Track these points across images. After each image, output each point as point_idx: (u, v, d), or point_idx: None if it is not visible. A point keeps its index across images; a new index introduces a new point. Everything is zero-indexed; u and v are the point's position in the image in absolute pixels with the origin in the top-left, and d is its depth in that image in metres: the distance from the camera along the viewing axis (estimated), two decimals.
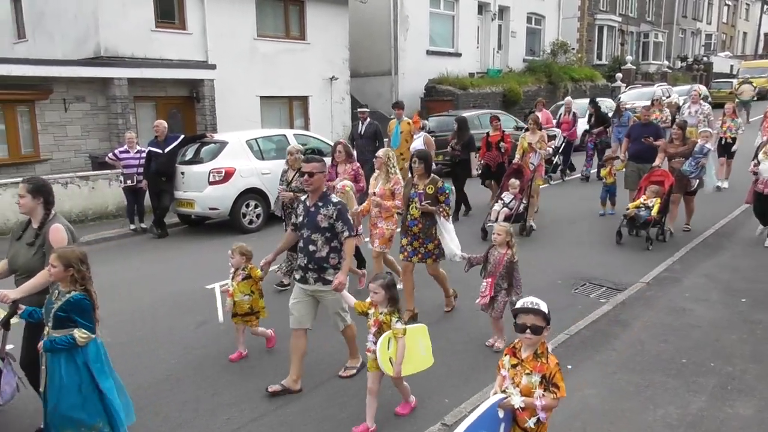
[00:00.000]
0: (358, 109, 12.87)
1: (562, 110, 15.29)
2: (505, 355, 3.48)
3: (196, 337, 6.29)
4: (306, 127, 18.38)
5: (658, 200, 8.81)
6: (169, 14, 15.50)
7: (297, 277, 5.05)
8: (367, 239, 7.51)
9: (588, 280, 7.61)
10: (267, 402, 4.90)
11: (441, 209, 6.10)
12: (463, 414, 4.48)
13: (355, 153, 10.41)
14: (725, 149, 12.74)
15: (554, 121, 14.98)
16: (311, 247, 4.88)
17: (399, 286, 5.59)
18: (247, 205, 10.89)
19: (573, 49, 29.75)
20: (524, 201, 9.72)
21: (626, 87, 28.76)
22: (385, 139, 12.28)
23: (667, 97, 22.87)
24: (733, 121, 12.79)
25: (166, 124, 11.02)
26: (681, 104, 17.80)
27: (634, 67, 33.73)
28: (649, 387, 4.88)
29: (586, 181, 14.13)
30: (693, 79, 37.08)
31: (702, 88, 23.11)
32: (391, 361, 4.31)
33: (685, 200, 9.54)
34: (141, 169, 10.75)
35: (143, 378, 5.38)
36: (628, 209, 8.99)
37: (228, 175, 10.57)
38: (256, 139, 11.44)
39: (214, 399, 4.98)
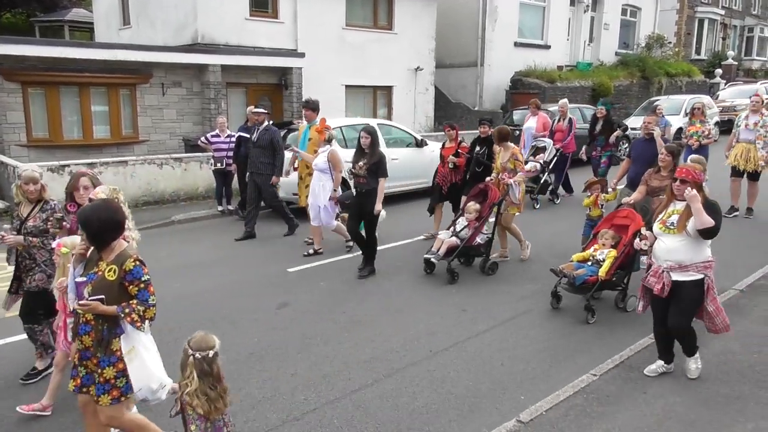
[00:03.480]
0: (253, 110, 9.83)
1: (557, 115, 12.59)
2: None
3: (277, 318, 6.49)
4: (389, 116, 18.51)
5: (613, 253, 6.31)
6: (262, 3, 15.96)
7: None
8: None
9: None
10: (343, 385, 5.01)
11: (128, 310, 3.51)
12: (540, 412, 4.44)
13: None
14: None
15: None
16: None
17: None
18: None
19: (670, 42, 28.38)
20: (485, 231, 7.82)
21: (726, 84, 27.19)
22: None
23: None
24: None
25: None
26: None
27: (736, 63, 31.80)
28: (739, 399, 4.64)
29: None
30: None
31: None
32: None
33: None
34: (231, 153, 11.14)
35: (228, 354, 5.58)
36: (571, 261, 6.56)
37: None
38: (340, 128, 11.59)
39: (294, 379, 5.14)
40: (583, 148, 11.80)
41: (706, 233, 4.50)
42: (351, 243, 8.68)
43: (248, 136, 11.02)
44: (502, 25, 21.27)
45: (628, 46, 27.25)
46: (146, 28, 16.99)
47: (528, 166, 11.22)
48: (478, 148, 8.89)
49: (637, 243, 5.07)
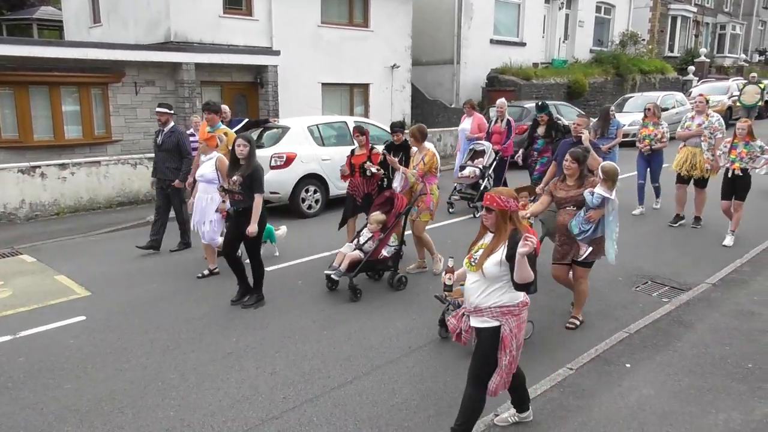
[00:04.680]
0: (156, 109, 8.87)
1: (493, 116, 11.54)
2: None
3: (255, 317, 6.45)
4: (366, 114, 18.51)
5: None
6: (236, 0, 15.82)
7: None
8: None
9: (651, 279, 7.40)
10: (322, 383, 5.00)
11: None
12: None
13: None
14: (732, 186, 8.56)
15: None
16: None
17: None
18: (307, 191, 11.05)
19: (643, 40, 28.77)
20: (391, 243, 7.17)
21: (698, 81, 27.65)
22: None
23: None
24: (747, 146, 8.34)
25: (228, 109, 11.29)
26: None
27: (708, 60, 32.35)
28: (711, 390, 4.72)
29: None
30: None
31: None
32: None
33: (573, 274, 6.03)
34: None
35: (206, 355, 5.58)
36: (461, 285, 5.98)
37: (289, 160, 10.74)
38: (317, 125, 11.58)
39: (273, 378, 5.11)
40: (520, 151, 10.62)
41: (519, 287, 3.73)
42: (210, 270, 7.79)
43: None
44: (477, 23, 21.37)
45: (602, 44, 27.57)
46: (117, 27, 16.74)
47: (466, 172, 10.63)
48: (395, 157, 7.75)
49: (443, 277, 4.31)
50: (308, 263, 8.14)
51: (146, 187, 12.31)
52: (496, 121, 11.30)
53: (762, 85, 19.69)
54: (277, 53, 15.87)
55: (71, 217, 11.29)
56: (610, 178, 5.58)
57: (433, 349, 5.62)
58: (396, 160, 7.49)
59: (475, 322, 3.92)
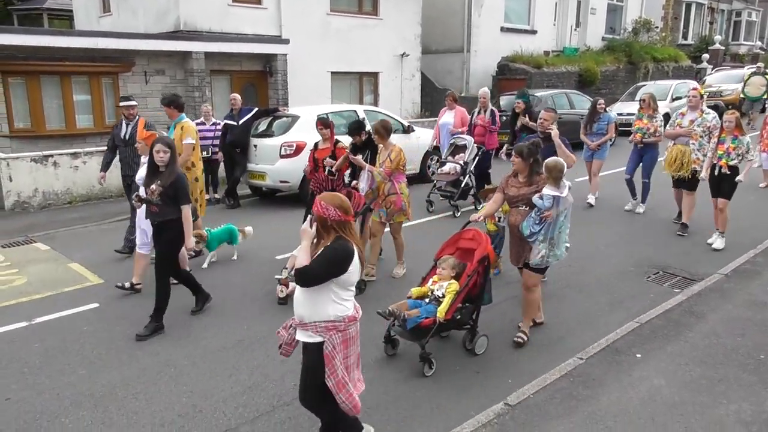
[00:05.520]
0: (127, 103, 8.34)
1: (477, 107, 10.91)
2: None
3: (265, 304, 6.49)
4: (375, 103, 18.45)
5: (453, 287, 5.03)
6: None
7: None
8: None
9: (662, 269, 7.37)
10: None
11: None
12: (527, 395, 4.48)
13: None
14: (719, 185, 7.93)
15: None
16: None
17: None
18: None
19: (657, 27, 28.42)
20: None
21: (713, 69, 27.31)
22: None
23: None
24: (734, 141, 7.68)
25: (239, 97, 11.31)
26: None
27: (723, 48, 31.90)
28: (722, 381, 4.71)
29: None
30: None
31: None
32: None
33: (524, 282, 5.59)
34: (216, 141, 11.06)
35: (217, 342, 5.63)
36: (409, 296, 5.26)
37: (299, 149, 10.74)
38: (327, 114, 11.54)
39: (283, 365, 5.13)
40: (504, 147, 10.14)
41: (297, 275, 3.49)
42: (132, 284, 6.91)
43: (234, 123, 11.00)
44: (488, 10, 21.21)
45: (614, 31, 27.27)
46: (127, 16, 16.74)
47: (446, 168, 10.27)
48: (360, 156, 7.27)
49: (277, 289, 3.83)
50: None
51: None
52: (478, 113, 10.75)
53: None
54: (286, 42, 15.83)
55: (84, 205, 11.38)
56: (552, 175, 5.22)
57: (444, 337, 5.63)
58: (360, 158, 7.17)
59: (301, 336, 3.67)
